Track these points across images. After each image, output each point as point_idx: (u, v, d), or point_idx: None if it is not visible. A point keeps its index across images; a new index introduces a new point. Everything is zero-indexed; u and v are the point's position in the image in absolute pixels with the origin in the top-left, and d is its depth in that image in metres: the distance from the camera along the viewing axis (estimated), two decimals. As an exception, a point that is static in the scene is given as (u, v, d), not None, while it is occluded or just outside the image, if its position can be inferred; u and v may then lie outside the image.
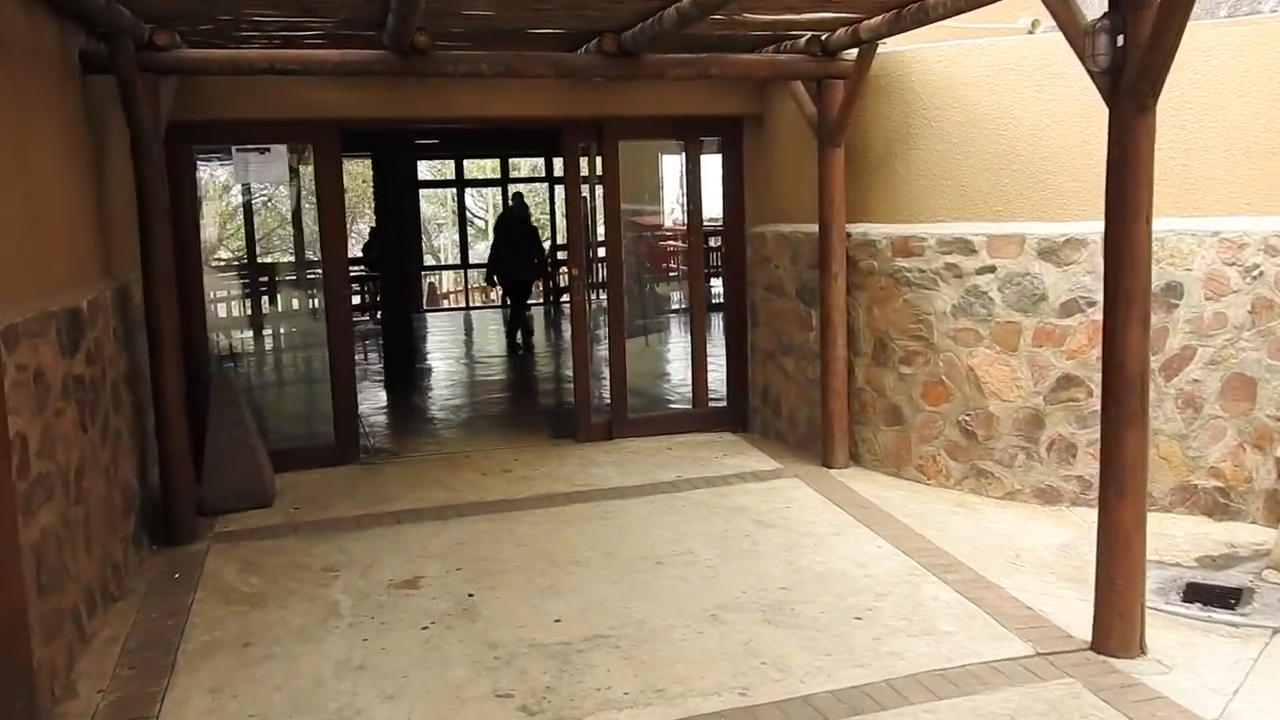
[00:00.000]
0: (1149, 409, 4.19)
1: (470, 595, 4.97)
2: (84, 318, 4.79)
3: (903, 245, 6.53)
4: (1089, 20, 4.02)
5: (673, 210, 12.24)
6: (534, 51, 6.41)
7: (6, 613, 3.18)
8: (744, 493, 6.54)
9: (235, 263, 16.01)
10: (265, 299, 11.36)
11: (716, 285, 11.17)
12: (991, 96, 6.18)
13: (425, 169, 21.76)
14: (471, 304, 19.57)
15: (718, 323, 10.07)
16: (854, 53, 6.47)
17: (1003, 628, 4.44)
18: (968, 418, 6.32)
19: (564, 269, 13.90)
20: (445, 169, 23.00)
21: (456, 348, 14.18)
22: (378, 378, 11.61)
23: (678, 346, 11.56)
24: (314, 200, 7.44)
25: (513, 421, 8.96)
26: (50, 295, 4.45)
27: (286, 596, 5.02)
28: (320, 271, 7.59)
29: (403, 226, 13.91)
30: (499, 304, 16.86)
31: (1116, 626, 4.18)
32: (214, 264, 14.23)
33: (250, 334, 10.30)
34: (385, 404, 10.13)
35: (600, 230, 8.27)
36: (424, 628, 4.61)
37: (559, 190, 18.20)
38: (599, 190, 8.16)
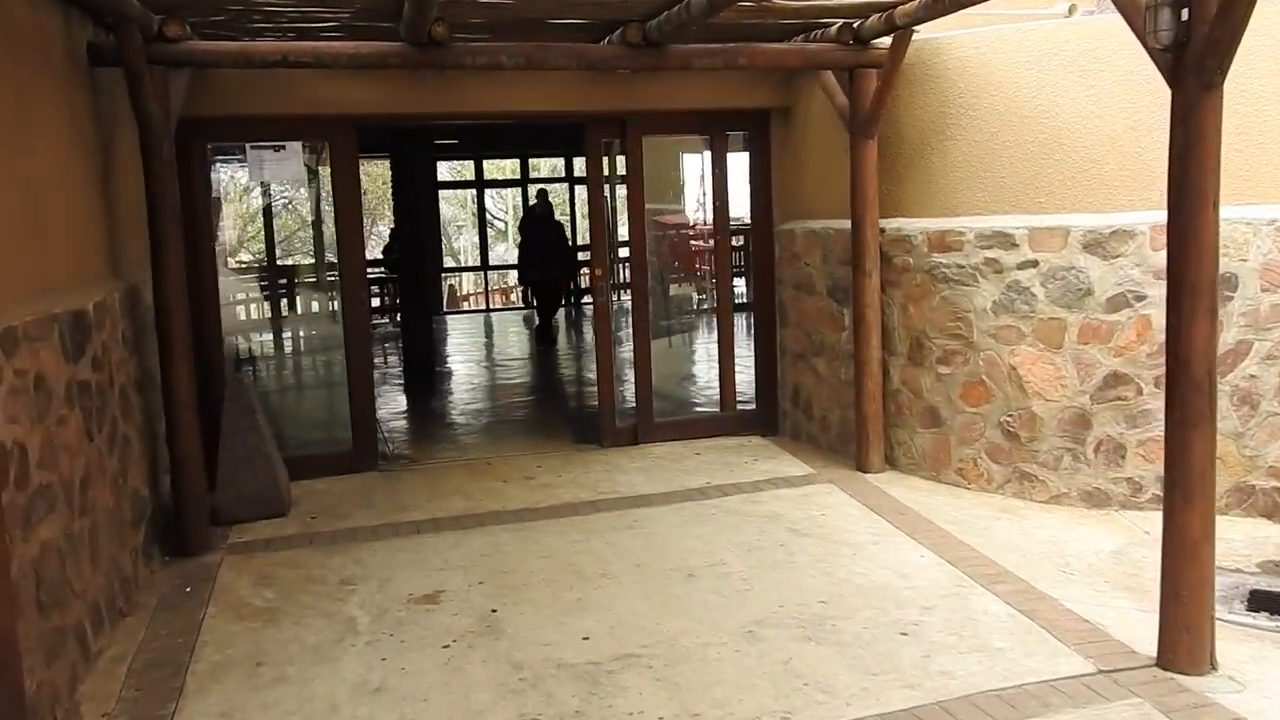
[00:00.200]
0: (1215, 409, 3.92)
1: (493, 611, 4.74)
2: (90, 320, 4.59)
3: (939, 240, 6.27)
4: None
5: (696, 208, 12.01)
6: (555, 43, 6.21)
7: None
8: (776, 499, 6.28)
9: (255, 265, 15.96)
10: (284, 302, 11.25)
11: (741, 285, 10.95)
12: (1031, 84, 5.91)
13: (444, 170, 21.68)
14: (492, 306, 19.42)
15: (744, 323, 9.85)
16: (887, 41, 6.22)
17: (1060, 643, 4.16)
18: (1010, 419, 6.05)
19: (586, 269, 13.70)
20: (465, 170, 22.93)
21: (477, 350, 13.99)
22: (397, 381, 11.41)
23: (704, 348, 11.31)
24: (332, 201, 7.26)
25: (535, 426, 8.73)
26: (53, 296, 4.26)
27: (301, 612, 4.80)
28: (338, 273, 7.40)
29: (422, 228, 13.75)
30: (521, 305, 16.69)
31: (1184, 640, 3.90)
32: (234, 266, 14.14)
33: (269, 337, 10.18)
34: (404, 409, 9.93)
35: (623, 229, 8.05)
36: (445, 646, 4.37)
37: (579, 190, 18.08)
38: (620, 190, 7.92)
